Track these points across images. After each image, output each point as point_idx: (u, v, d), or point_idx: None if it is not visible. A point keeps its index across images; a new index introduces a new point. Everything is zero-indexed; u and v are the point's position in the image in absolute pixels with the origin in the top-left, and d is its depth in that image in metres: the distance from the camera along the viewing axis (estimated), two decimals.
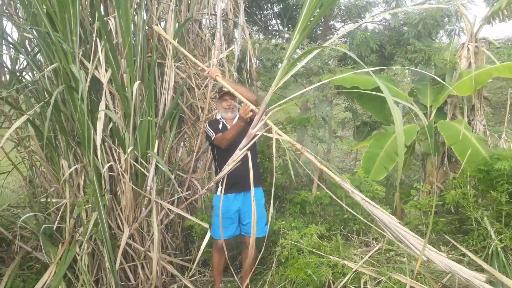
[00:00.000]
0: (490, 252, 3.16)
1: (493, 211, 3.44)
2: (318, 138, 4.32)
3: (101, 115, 2.83)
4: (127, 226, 3.20)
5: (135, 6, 3.22)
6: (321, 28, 6.41)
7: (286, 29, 7.88)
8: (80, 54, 3.12)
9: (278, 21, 8.25)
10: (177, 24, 3.66)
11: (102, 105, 2.94)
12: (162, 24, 3.80)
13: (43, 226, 3.24)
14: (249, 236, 3.29)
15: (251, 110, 2.75)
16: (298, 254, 3.06)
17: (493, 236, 3.16)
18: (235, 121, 3.23)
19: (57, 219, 3.20)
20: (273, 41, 8.13)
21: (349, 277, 2.78)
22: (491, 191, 3.29)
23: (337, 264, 2.85)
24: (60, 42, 2.94)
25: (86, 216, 3.32)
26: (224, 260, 3.39)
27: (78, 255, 3.18)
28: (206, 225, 2.81)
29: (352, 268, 2.84)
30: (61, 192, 3.47)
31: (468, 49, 4.39)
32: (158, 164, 3.09)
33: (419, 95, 4.71)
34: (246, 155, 2.83)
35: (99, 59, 3.14)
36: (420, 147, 4.81)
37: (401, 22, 4.68)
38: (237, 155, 2.46)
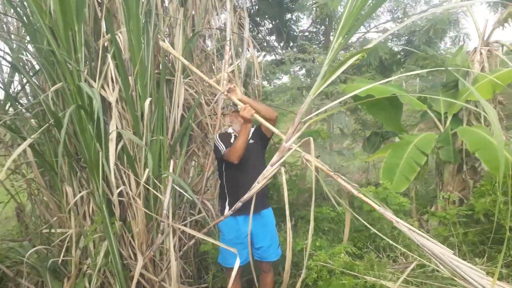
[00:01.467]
0: None
1: None
2: (337, 151, 4.13)
3: (112, 136, 2.61)
4: (140, 255, 2.94)
5: (143, 21, 3.04)
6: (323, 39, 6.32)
7: (282, 44, 7.80)
8: (86, 72, 2.93)
9: (273, 37, 8.19)
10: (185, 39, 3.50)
11: (112, 125, 2.72)
12: (168, 39, 3.64)
13: (50, 260, 2.95)
14: (265, 262, 3.06)
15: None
16: (329, 276, 2.82)
17: None
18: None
19: (63, 251, 2.94)
20: (267, 57, 8.08)
21: None
22: None
23: (375, 284, 2.62)
24: (65, 60, 2.74)
25: (94, 246, 3.06)
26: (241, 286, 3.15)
27: None
28: (234, 250, 2.54)
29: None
30: (65, 222, 3.22)
31: (481, 53, 4.28)
32: (174, 186, 2.85)
33: (432, 103, 4.57)
34: (257, 173, 2.61)
35: (105, 77, 2.97)
36: (432, 157, 4.67)
37: (410, 29, 4.58)
38: (268, 171, 2.23)
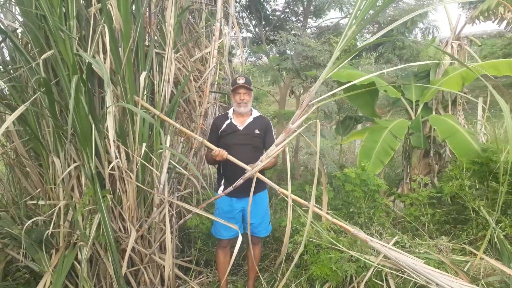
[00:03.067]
0: (489, 240, 3.31)
1: (488, 201, 3.61)
2: (322, 135, 4.29)
3: (110, 109, 2.57)
4: (132, 228, 2.96)
5: None
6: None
7: (255, 22, 7.79)
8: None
9: (245, 15, 8.15)
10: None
11: (109, 98, 2.67)
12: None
13: (37, 231, 2.90)
14: (255, 236, 3.22)
15: None
16: (316, 251, 3.00)
17: (494, 225, 3.31)
18: (246, 119, 3.12)
19: (52, 224, 2.89)
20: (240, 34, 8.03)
21: (373, 271, 2.77)
22: (493, 182, 3.44)
23: (359, 259, 2.83)
24: (58, 27, 2.63)
25: (83, 219, 3.04)
26: (229, 259, 3.28)
27: (76, 262, 2.91)
28: (236, 227, 2.63)
29: (373, 262, 2.83)
30: (50, 193, 3.15)
31: (452, 47, 4.57)
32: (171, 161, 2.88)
33: (404, 91, 4.83)
34: (253, 159, 2.70)
35: (97, 47, 2.89)
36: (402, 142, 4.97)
37: (389, 18, 4.78)
38: (273, 151, 2.32)
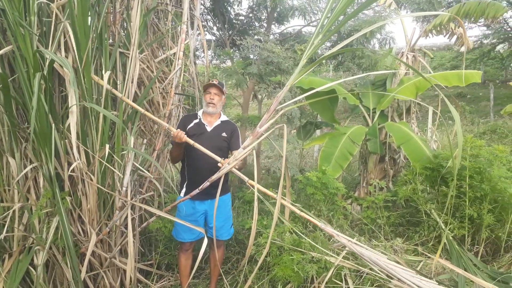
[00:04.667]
0: (439, 240, 3.53)
1: (438, 204, 3.84)
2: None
3: (74, 108, 2.50)
4: (93, 231, 2.88)
5: None
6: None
7: (219, 25, 7.80)
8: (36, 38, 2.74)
9: (209, 17, 8.14)
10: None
11: (72, 97, 2.60)
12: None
13: None
14: (217, 239, 3.22)
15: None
16: (279, 253, 3.06)
17: (443, 227, 3.52)
18: (214, 121, 3.14)
19: (5, 227, 2.76)
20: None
21: (333, 271, 2.87)
22: (443, 186, 3.66)
23: (321, 259, 2.92)
24: (19, 22, 2.53)
25: (39, 222, 2.92)
26: (191, 262, 3.27)
27: (32, 267, 2.80)
28: (202, 229, 2.63)
29: (333, 263, 2.93)
30: (4, 196, 3.00)
31: (407, 58, 4.83)
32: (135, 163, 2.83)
33: (362, 98, 5.04)
34: (215, 162, 2.72)
35: (63, 44, 2.81)
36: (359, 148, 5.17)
37: (349, 28, 4.97)
38: (240, 154, 2.36)
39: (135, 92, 3.43)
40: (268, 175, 6.02)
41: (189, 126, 3.14)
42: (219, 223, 3.17)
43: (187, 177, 3.13)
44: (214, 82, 3.12)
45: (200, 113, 3.20)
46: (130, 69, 3.29)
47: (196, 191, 2.74)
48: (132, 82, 3.32)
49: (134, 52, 3.29)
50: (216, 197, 2.60)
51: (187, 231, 3.10)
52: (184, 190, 3.14)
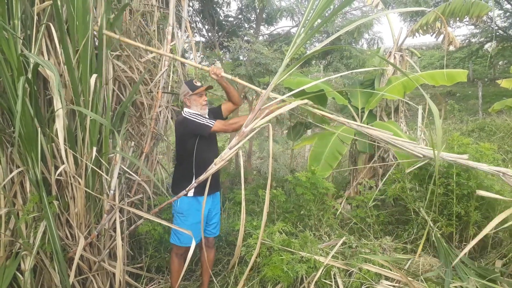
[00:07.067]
0: (428, 238, 3.56)
1: (426, 202, 3.86)
2: (274, 140, 4.38)
3: (60, 111, 2.48)
4: (81, 235, 2.87)
5: None
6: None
7: (208, 27, 7.80)
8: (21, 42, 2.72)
9: (198, 19, 8.14)
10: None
11: (57, 101, 2.58)
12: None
13: None
14: (212, 237, 3.27)
15: None
16: (268, 253, 3.07)
17: (431, 224, 3.55)
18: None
19: None
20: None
21: (322, 270, 2.88)
22: (432, 185, 3.69)
23: (310, 259, 2.93)
24: (2, 26, 2.51)
25: (26, 227, 2.90)
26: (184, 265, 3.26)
27: (19, 272, 2.77)
28: (189, 233, 2.62)
29: (322, 262, 2.94)
30: None
31: (395, 57, 4.86)
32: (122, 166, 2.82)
33: (351, 98, 5.06)
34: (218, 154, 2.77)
35: (45, 47, 2.79)
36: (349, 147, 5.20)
37: (338, 29, 4.99)
38: (227, 154, 2.36)
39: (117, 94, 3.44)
40: (260, 175, 6.02)
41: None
42: (218, 218, 3.32)
43: (195, 173, 3.05)
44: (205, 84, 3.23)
45: (193, 112, 3.16)
46: (104, 70, 3.22)
47: (194, 184, 2.71)
48: (106, 84, 3.26)
49: (104, 52, 3.19)
50: (217, 191, 2.68)
51: (195, 235, 3.04)
52: (193, 190, 2.96)
